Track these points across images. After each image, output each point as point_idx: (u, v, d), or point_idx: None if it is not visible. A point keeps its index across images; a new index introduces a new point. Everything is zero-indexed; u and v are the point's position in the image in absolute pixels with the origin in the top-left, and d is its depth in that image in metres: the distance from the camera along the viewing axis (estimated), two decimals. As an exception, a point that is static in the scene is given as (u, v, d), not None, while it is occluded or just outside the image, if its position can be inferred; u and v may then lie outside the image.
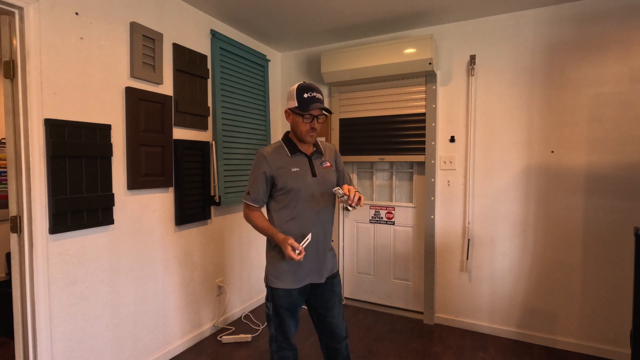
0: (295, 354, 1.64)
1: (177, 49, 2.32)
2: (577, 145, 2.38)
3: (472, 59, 2.62)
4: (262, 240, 3.24)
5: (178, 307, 2.39)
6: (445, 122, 2.77)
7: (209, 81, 2.60)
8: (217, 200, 2.61)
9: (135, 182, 2.05)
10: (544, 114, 2.46)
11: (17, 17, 1.59)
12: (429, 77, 2.77)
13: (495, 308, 2.65)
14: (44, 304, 1.66)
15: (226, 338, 2.54)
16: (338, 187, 1.43)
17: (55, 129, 1.67)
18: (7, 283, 2.61)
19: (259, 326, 2.77)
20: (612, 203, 2.30)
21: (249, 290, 3.08)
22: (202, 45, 2.54)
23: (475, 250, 2.70)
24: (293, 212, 1.53)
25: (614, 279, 2.32)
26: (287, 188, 1.52)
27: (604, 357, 2.35)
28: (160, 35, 2.19)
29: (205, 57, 2.54)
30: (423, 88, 2.81)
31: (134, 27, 2.03)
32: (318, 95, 1.51)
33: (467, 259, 2.71)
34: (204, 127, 2.54)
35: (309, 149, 1.61)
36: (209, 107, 2.58)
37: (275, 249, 1.56)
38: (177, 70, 2.32)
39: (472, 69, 2.64)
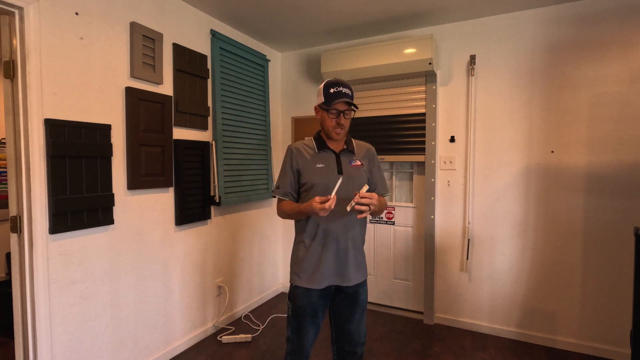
0: None
1: (177, 49, 2.32)
2: (577, 145, 2.38)
3: (472, 59, 2.62)
4: (262, 240, 3.25)
5: (178, 307, 2.39)
6: (445, 122, 2.77)
7: (209, 81, 2.60)
8: (217, 200, 2.61)
9: (135, 182, 2.05)
10: (544, 114, 2.46)
11: (17, 17, 1.59)
12: (429, 77, 2.77)
13: (495, 308, 2.65)
14: (44, 304, 1.66)
15: (226, 338, 2.54)
16: (357, 193, 1.37)
17: (55, 129, 1.67)
18: (7, 283, 2.61)
19: (259, 326, 2.77)
20: (612, 203, 2.30)
21: (249, 290, 3.08)
22: (202, 45, 2.54)
23: (475, 250, 2.70)
24: None
25: (614, 279, 2.32)
26: (310, 184, 1.49)
27: (604, 357, 2.35)
28: (160, 35, 2.19)
29: (205, 57, 2.54)
30: (423, 88, 2.81)
31: (134, 27, 2.03)
32: (345, 90, 1.46)
33: (467, 259, 2.71)
34: (204, 127, 2.54)
35: (338, 147, 1.55)
36: (209, 107, 2.58)
37: (298, 245, 1.54)
38: (177, 70, 2.32)
39: (472, 69, 2.64)
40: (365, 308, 1.61)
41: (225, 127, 2.72)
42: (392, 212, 3.07)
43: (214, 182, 2.62)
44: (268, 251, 3.34)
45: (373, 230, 3.15)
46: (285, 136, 3.47)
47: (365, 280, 1.60)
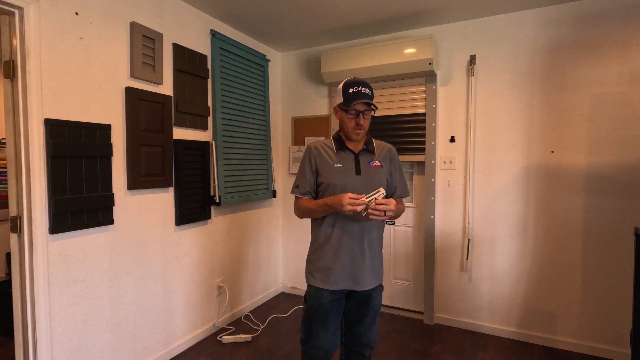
0: None
1: (177, 49, 2.32)
2: (577, 145, 2.38)
3: (472, 59, 2.62)
4: (262, 240, 3.25)
5: (178, 307, 2.39)
6: (445, 122, 2.77)
7: (209, 81, 2.60)
8: (217, 200, 2.61)
9: (135, 182, 2.05)
10: (544, 114, 2.46)
11: (17, 17, 1.59)
12: (429, 77, 2.77)
13: (495, 308, 2.65)
14: (44, 304, 1.66)
15: (226, 338, 2.54)
16: (374, 197, 1.34)
17: (55, 129, 1.67)
18: (7, 283, 2.61)
19: (259, 326, 2.77)
20: (612, 203, 2.30)
21: (249, 290, 3.08)
22: (202, 45, 2.54)
23: (475, 250, 2.70)
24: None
25: (614, 279, 2.32)
26: (327, 183, 1.48)
27: (604, 357, 2.35)
28: (160, 35, 2.19)
29: (205, 57, 2.54)
30: (423, 88, 2.81)
31: (134, 27, 2.03)
32: (364, 90, 1.43)
33: (467, 258, 2.71)
34: (204, 127, 2.54)
35: (357, 147, 1.54)
36: (209, 107, 2.58)
37: (313, 245, 1.53)
38: (177, 70, 2.32)
39: (472, 69, 2.64)
40: (377, 312, 1.57)
41: (225, 127, 2.72)
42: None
43: (214, 182, 2.62)
44: (268, 251, 3.34)
45: (373, 230, 3.14)
46: (285, 136, 3.47)
47: (381, 285, 1.57)
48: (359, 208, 1.31)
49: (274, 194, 3.28)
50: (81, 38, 1.80)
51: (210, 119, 2.61)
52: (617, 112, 2.28)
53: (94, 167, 1.84)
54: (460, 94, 2.71)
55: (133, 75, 2.04)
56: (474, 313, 2.72)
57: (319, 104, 3.28)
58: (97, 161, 1.85)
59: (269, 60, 3.20)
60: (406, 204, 3.02)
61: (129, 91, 2.00)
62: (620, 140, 2.27)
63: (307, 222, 3.34)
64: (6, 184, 3.27)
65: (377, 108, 1.49)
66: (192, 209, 2.44)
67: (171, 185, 2.29)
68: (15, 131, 1.64)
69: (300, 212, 1.53)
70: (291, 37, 3.05)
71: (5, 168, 3.16)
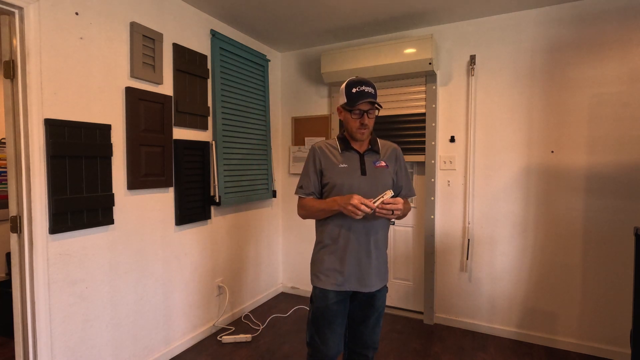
0: None
1: (177, 49, 2.32)
2: (577, 145, 2.38)
3: (472, 59, 2.62)
4: (262, 240, 3.25)
5: (178, 307, 2.39)
6: (445, 122, 2.77)
7: (209, 81, 2.60)
8: (217, 200, 2.61)
9: (135, 182, 2.05)
10: (544, 114, 2.46)
11: (17, 17, 1.59)
12: (429, 77, 2.77)
13: (495, 308, 2.65)
14: (44, 304, 1.66)
15: (226, 338, 2.54)
16: (382, 197, 1.34)
17: (55, 129, 1.67)
18: (7, 283, 2.61)
19: (259, 326, 2.77)
20: (612, 203, 2.30)
21: (249, 290, 3.08)
22: (202, 45, 2.54)
23: (475, 250, 2.70)
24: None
25: (614, 279, 2.32)
26: (332, 184, 1.47)
27: (604, 357, 2.35)
28: (160, 35, 2.19)
29: (205, 57, 2.54)
30: (423, 88, 2.81)
31: (134, 27, 2.03)
32: (367, 89, 1.42)
33: (467, 259, 2.71)
34: (204, 127, 2.54)
35: (362, 147, 1.53)
36: (209, 107, 2.58)
37: (318, 247, 1.53)
38: (177, 70, 2.32)
39: (472, 69, 2.64)
40: (382, 314, 1.57)
41: (225, 127, 2.72)
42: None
43: (214, 182, 2.62)
44: (268, 251, 3.34)
45: (373, 230, 3.15)
46: (285, 136, 3.47)
47: (385, 287, 1.57)
48: (360, 213, 1.30)
49: (274, 194, 3.28)
50: (81, 38, 1.80)
51: (210, 119, 2.61)
52: (616, 112, 2.28)
53: (94, 167, 1.84)
54: (460, 94, 2.71)
55: (133, 75, 2.04)
56: (474, 313, 2.72)
57: (319, 104, 3.28)
58: (97, 161, 1.85)
59: (269, 60, 3.20)
60: (406, 204, 3.02)
61: (129, 91, 2.00)
62: (620, 140, 2.27)
63: (307, 222, 3.34)
64: (6, 184, 3.27)
65: (381, 107, 1.48)
66: (192, 209, 2.44)
67: (171, 185, 2.29)
68: (15, 131, 1.64)
69: (305, 211, 1.53)
70: (291, 37, 3.05)
71: (5, 168, 3.16)
